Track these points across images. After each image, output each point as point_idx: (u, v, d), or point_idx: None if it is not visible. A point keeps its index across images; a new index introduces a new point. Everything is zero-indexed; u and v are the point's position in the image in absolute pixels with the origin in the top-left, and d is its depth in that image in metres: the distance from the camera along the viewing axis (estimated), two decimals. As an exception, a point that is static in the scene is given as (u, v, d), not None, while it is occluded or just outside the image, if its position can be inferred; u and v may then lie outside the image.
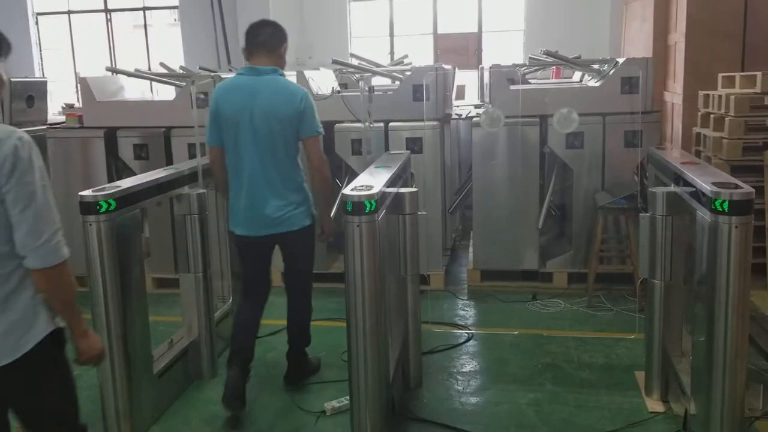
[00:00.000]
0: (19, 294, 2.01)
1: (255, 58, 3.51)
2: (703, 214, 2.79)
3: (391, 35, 10.18)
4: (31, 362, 2.02)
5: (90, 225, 3.10)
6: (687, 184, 3.06)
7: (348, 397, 3.12)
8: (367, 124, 4.85)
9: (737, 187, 2.70)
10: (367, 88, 4.91)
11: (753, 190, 2.68)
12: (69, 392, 2.20)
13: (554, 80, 7.74)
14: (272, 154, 3.44)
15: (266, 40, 3.52)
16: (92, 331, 2.23)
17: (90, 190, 3.17)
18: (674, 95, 6.63)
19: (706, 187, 2.74)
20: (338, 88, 5.94)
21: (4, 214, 1.95)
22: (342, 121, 5.25)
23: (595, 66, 5.78)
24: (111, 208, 3.12)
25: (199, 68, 7.04)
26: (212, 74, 5.54)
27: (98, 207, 3.09)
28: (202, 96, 4.83)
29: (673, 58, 6.68)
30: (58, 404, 2.16)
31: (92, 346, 2.19)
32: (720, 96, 5.09)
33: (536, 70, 7.16)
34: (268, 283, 3.76)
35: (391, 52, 9.92)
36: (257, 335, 3.68)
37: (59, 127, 5.70)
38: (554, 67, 7.64)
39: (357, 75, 6.40)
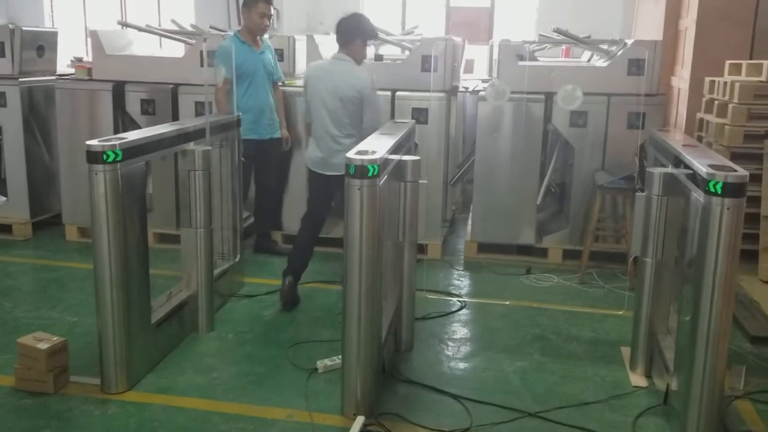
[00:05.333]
0: (353, 143, 3.87)
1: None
2: (698, 196, 2.84)
3: (403, 5, 10.13)
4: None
5: (96, 174, 3.15)
6: (685, 165, 3.11)
7: (340, 356, 3.20)
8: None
9: (732, 170, 2.75)
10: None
11: (747, 173, 2.72)
12: None
13: (563, 59, 7.74)
14: None
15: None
16: None
17: (97, 140, 3.21)
18: (681, 80, 6.63)
19: (702, 168, 2.79)
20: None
21: (360, 108, 4.25)
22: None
23: (604, 46, 5.78)
24: (117, 158, 3.17)
25: (210, 27, 7.04)
26: (223, 33, 5.56)
27: (105, 157, 3.14)
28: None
29: (683, 43, 6.66)
30: None
31: None
32: (725, 83, 5.11)
33: (546, 48, 7.15)
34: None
35: (403, 22, 9.88)
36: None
37: (68, 79, 5.74)
38: (565, 46, 7.64)
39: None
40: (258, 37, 5.14)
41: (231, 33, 5.30)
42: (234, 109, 4.62)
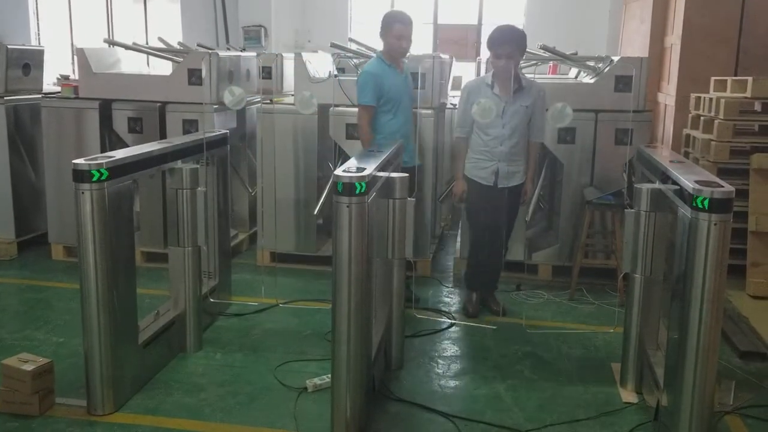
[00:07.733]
0: (525, 152, 4.52)
1: None
2: (685, 211, 2.85)
3: (391, 23, 10.17)
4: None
5: (82, 193, 3.13)
6: (672, 181, 3.12)
7: (330, 375, 3.18)
8: None
9: (718, 185, 2.76)
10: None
11: (733, 189, 2.74)
12: None
13: (551, 76, 7.78)
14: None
15: None
16: None
17: (83, 159, 3.19)
18: (667, 96, 6.70)
19: (689, 184, 2.81)
20: (335, 72, 5.96)
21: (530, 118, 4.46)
22: (338, 105, 5.28)
23: (591, 63, 5.83)
24: (103, 177, 3.15)
25: (197, 45, 7.05)
26: (210, 52, 5.56)
27: (91, 176, 3.12)
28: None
29: (669, 59, 6.74)
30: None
31: None
32: (711, 99, 5.17)
33: (533, 65, 7.19)
34: None
35: (390, 40, 9.90)
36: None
37: (54, 97, 5.71)
38: (552, 63, 7.67)
39: (355, 60, 6.42)
40: (400, 60, 4.78)
41: (374, 55, 4.91)
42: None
